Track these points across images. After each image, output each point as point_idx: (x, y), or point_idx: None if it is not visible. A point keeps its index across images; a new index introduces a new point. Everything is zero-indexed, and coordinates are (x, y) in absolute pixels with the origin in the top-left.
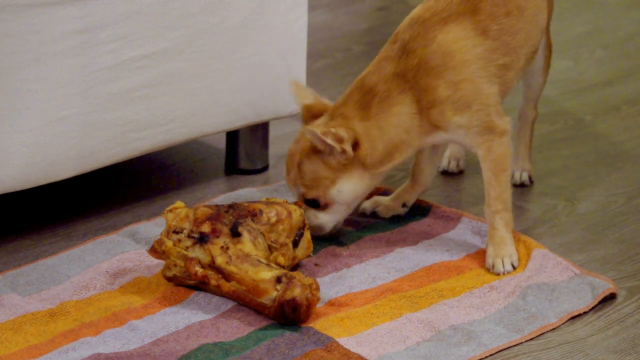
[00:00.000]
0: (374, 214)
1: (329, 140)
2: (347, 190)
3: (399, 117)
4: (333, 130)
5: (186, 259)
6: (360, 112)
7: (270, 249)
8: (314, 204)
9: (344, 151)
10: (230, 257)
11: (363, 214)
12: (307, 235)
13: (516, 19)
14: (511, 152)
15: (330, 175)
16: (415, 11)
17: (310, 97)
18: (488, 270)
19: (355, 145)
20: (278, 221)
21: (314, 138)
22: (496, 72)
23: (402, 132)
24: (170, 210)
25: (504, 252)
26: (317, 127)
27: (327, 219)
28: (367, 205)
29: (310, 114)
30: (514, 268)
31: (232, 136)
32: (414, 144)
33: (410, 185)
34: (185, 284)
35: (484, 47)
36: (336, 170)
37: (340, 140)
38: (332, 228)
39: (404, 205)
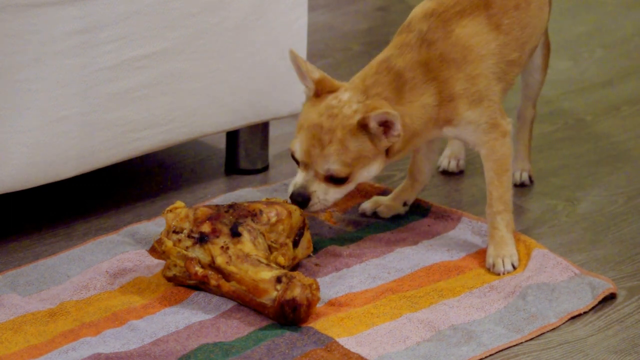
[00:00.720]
0: (374, 214)
1: (399, 128)
2: (372, 172)
3: (425, 109)
4: (393, 112)
5: (186, 259)
6: (395, 95)
7: (270, 249)
8: (338, 181)
9: (398, 135)
10: (230, 257)
11: (363, 214)
12: (307, 235)
13: (524, 12)
14: (512, 152)
15: (370, 155)
16: (427, 4)
17: (315, 71)
18: (488, 270)
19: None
20: (278, 221)
21: (379, 120)
22: (505, 68)
23: (424, 123)
24: (170, 210)
25: (504, 252)
26: (376, 108)
27: (335, 197)
28: (368, 205)
29: (323, 89)
30: (514, 268)
31: (232, 136)
32: (427, 137)
33: (409, 183)
34: (185, 284)
35: (497, 42)
36: (376, 151)
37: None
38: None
39: (404, 204)
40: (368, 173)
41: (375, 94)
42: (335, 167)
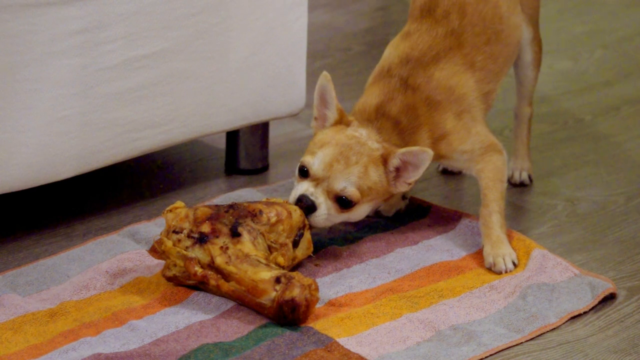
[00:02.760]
0: (377, 214)
1: (419, 174)
2: (367, 211)
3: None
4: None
5: (186, 259)
6: (402, 142)
7: (270, 249)
8: (345, 204)
9: (411, 183)
10: (229, 257)
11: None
12: (307, 235)
13: (495, 44)
14: (507, 169)
15: (381, 192)
16: (400, 48)
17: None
18: (489, 269)
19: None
20: (278, 221)
21: (404, 158)
22: (483, 98)
23: None
24: (170, 210)
25: (503, 251)
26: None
27: (335, 220)
28: None
29: (342, 119)
30: (515, 266)
31: (232, 136)
32: None
33: None
34: (185, 284)
35: (474, 79)
36: (385, 191)
37: None
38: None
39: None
40: (364, 211)
41: (386, 139)
42: (351, 188)
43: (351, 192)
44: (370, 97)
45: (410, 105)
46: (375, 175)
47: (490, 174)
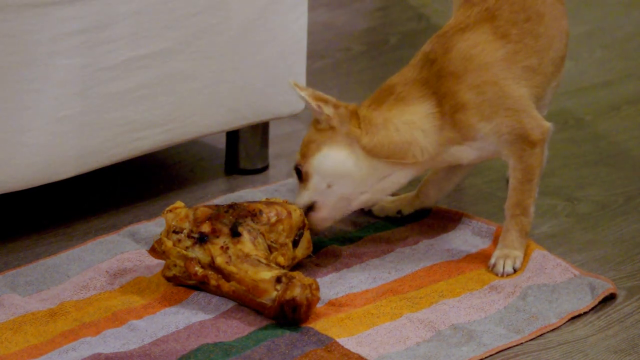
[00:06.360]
0: (369, 211)
1: (303, 93)
2: (332, 159)
3: (414, 116)
4: (318, 93)
5: (186, 259)
6: (371, 103)
7: (270, 249)
8: (299, 174)
9: (319, 108)
10: (230, 257)
11: (360, 210)
12: (307, 235)
13: (536, 24)
14: (543, 161)
15: (317, 138)
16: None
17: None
18: (489, 268)
19: (354, 123)
20: (278, 221)
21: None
22: (522, 74)
23: (416, 130)
24: (170, 210)
25: (508, 253)
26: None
27: (302, 199)
28: None
29: None
30: (514, 271)
31: (232, 136)
32: (430, 149)
33: (412, 196)
34: (185, 284)
35: (505, 49)
36: (324, 136)
37: (322, 100)
38: (314, 214)
39: (398, 212)
40: (323, 157)
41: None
42: (296, 157)
43: (296, 160)
44: None
45: (419, 80)
46: (308, 134)
47: (519, 174)
